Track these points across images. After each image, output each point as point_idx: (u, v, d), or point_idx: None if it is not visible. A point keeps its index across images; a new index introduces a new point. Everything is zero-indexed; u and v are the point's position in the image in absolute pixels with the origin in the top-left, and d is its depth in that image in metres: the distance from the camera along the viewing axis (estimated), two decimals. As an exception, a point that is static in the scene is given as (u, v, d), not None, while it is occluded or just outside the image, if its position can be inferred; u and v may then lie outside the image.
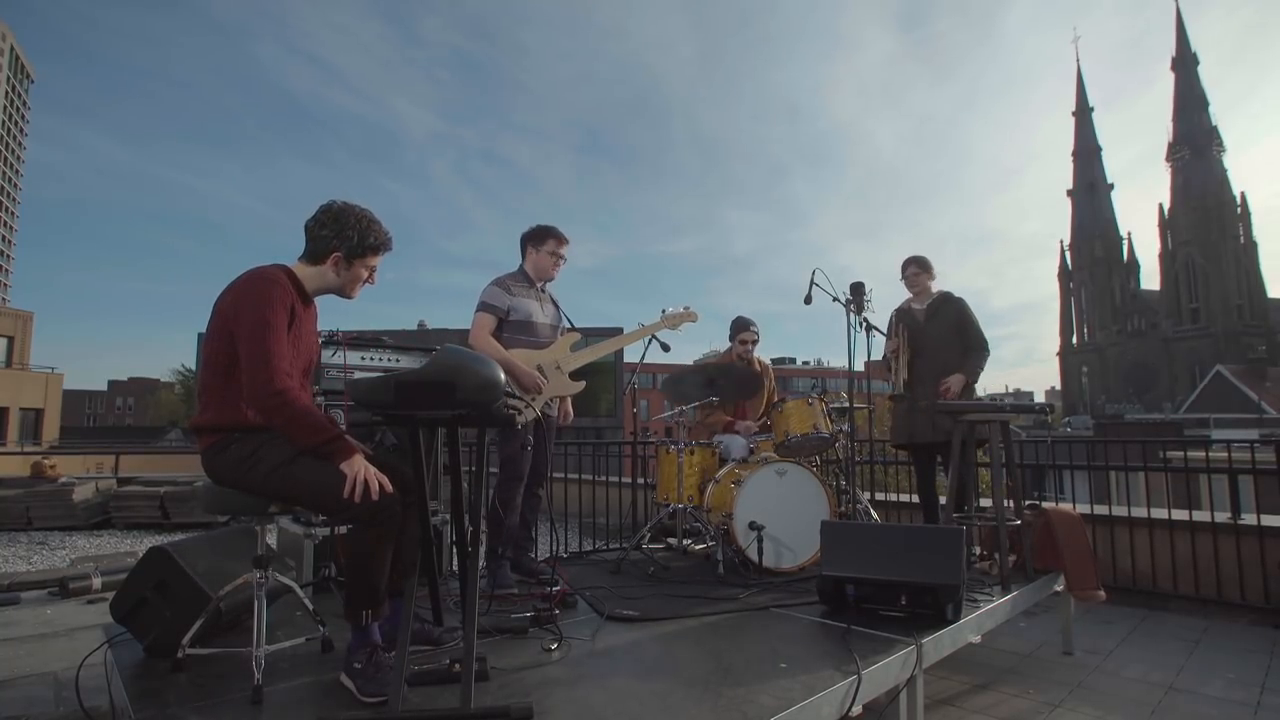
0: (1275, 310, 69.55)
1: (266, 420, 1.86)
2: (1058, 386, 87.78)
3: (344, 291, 2.15)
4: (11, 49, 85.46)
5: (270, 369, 1.83)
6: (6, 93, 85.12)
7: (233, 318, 1.89)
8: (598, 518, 6.00)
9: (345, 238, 2.06)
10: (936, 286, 4.29)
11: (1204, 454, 4.85)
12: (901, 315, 4.30)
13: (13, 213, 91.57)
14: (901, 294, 4.38)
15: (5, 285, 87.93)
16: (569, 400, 3.57)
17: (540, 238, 3.48)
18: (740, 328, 4.54)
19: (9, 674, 2.09)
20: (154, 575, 2.24)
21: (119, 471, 12.56)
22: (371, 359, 3.45)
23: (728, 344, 4.68)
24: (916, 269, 4.25)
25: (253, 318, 1.86)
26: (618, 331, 3.71)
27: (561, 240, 3.50)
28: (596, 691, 1.96)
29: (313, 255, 2.08)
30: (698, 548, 4.08)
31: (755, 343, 4.53)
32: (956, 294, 4.19)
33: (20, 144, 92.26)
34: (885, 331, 4.34)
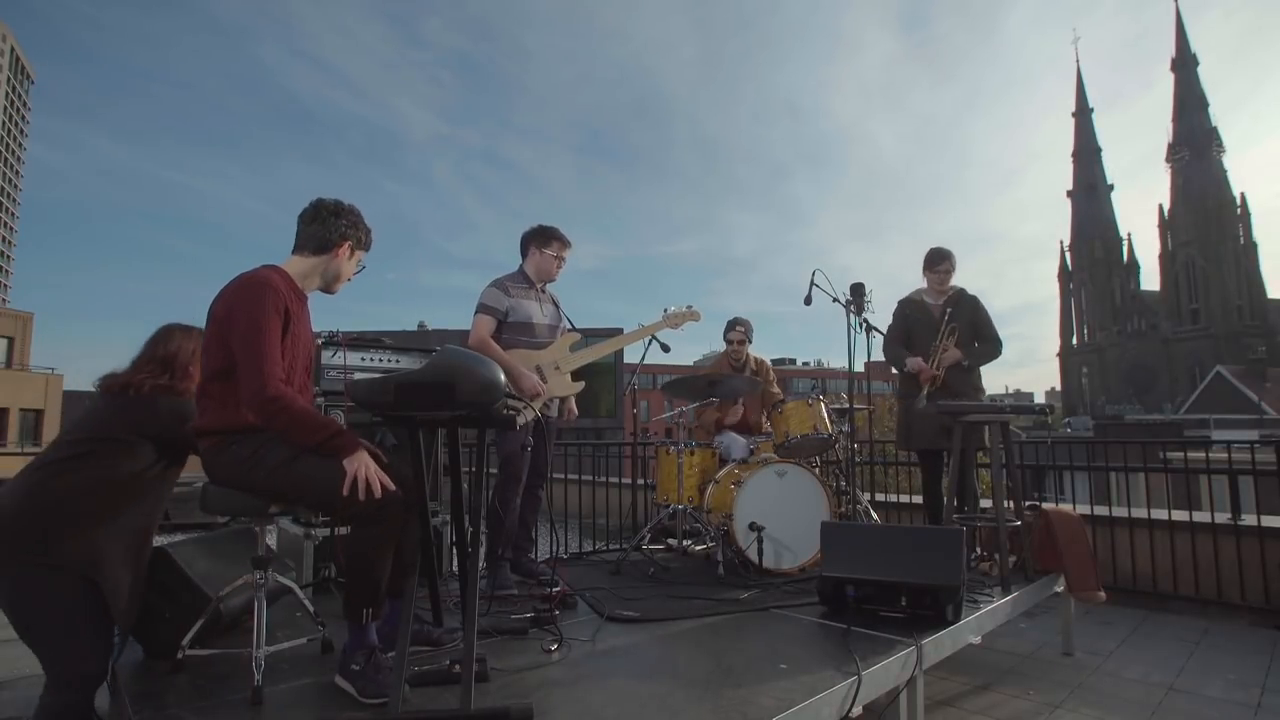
0: (1275, 311, 69.53)
1: (266, 424, 1.86)
2: (1058, 387, 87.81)
3: (334, 284, 2.19)
4: (12, 49, 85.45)
5: (264, 375, 1.83)
6: (6, 93, 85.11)
7: (226, 322, 1.89)
8: (598, 518, 6.00)
9: (357, 229, 2.18)
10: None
11: (1204, 455, 4.86)
12: (914, 308, 4.10)
13: (13, 213, 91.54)
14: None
15: (5, 286, 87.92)
16: (572, 399, 3.56)
17: (545, 239, 3.47)
18: (728, 327, 4.55)
19: (9, 674, 2.09)
20: (154, 576, 2.24)
21: (119, 472, 12.51)
22: (371, 360, 3.45)
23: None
24: (951, 266, 4.03)
25: (246, 324, 1.87)
26: (618, 332, 3.69)
27: (565, 244, 3.50)
28: (596, 692, 1.96)
29: (319, 246, 2.11)
30: (698, 548, 4.08)
31: (744, 341, 4.51)
32: (970, 291, 4.06)
33: (20, 144, 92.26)
34: (886, 328, 4.16)
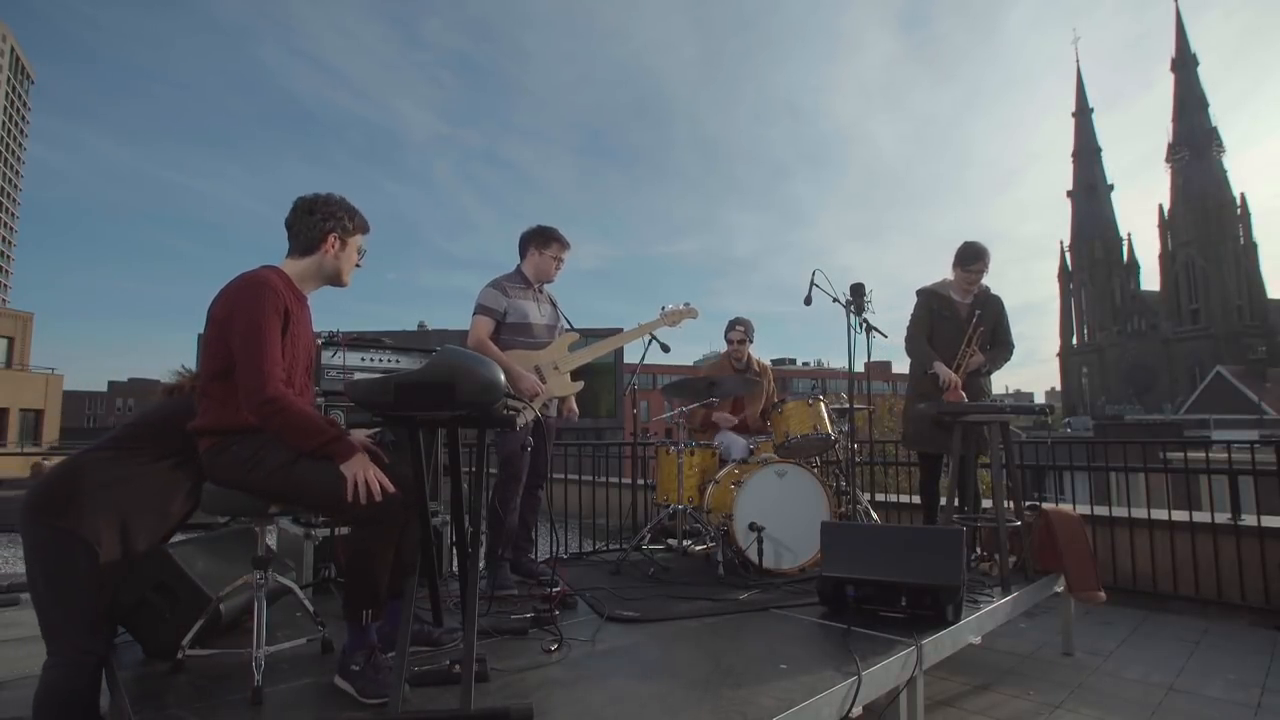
0: (1275, 311, 69.53)
1: (263, 426, 1.86)
2: (1058, 387, 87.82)
3: (339, 277, 2.16)
4: (12, 49, 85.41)
5: (263, 376, 1.82)
6: (6, 93, 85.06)
7: (226, 322, 1.89)
8: (598, 519, 6.00)
9: (337, 218, 2.11)
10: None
11: (1204, 455, 4.86)
12: (940, 304, 3.94)
13: (13, 213, 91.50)
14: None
15: (5, 286, 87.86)
16: (572, 399, 3.56)
17: (545, 240, 3.46)
18: (729, 327, 4.56)
19: (9, 674, 2.09)
20: (154, 576, 2.24)
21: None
22: (371, 359, 3.45)
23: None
24: (985, 267, 3.88)
25: (245, 323, 1.86)
26: (617, 332, 3.69)
27: (565, 245, 3.49)
28: (596, 692, 1.96)
29: (305, 246, 2.10)
30: (698, 549, 4.08)
31: (743, 341, 4.51)
32: (994, 291, 3.99)
33: (20, 144, 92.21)
34: (910, 318, 4.00)
